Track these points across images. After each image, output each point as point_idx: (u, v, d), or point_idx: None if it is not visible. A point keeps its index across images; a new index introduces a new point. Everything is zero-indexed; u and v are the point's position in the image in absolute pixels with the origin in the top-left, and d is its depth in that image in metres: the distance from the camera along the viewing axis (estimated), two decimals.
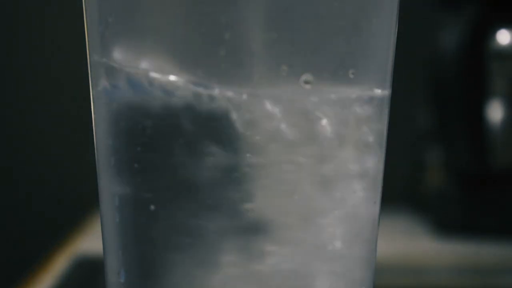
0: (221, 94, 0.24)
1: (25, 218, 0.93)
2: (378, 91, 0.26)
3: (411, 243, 0.71)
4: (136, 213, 0.25)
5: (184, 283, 0.24)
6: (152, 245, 0.25)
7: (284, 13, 0.24)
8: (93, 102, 0.26)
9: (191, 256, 0.24)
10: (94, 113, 0.26)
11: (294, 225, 0.24)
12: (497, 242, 0.70)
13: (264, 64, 0.24)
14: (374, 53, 0.25)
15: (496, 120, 0.73)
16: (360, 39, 0.25)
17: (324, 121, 0.24)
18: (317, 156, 0.24)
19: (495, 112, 0.73)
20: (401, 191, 0.87)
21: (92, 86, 0.26)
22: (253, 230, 0.24)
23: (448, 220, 0.73)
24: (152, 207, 0.24)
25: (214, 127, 0.24)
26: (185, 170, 0.24)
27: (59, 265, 0.59)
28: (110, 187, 0.26)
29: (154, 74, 0.24)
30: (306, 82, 0.24)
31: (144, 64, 0.24)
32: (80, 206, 0.87)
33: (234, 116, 0.24)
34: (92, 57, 0.26)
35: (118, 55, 0.25)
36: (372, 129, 0.26)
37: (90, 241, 0.67)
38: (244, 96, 0.24)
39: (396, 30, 0.27)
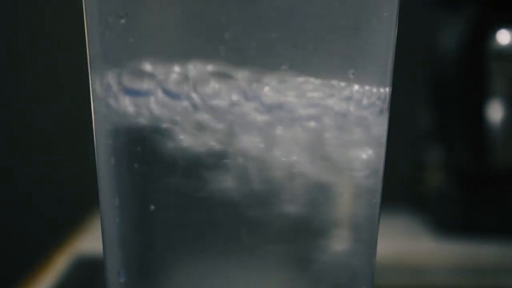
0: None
1: (25, 218, 0.93)
2: (378, 91, 0.26)
3: (411, 243, 0.71)
4: (136, 213, 0.25)
5: (184, 283, 0.24)
6: (152, 245, 0.25)
7: (284, 13, 0.24)
8: (93, 102, 0.26)
9: (191, 256, 0.24)
10: (94, 113, 0.26)
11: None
12: (497, 242, 0.70)
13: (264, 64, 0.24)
14: (374, 53, 0.25)
15: (496, 120, 0.73)
16: (360, 39, 0.25)
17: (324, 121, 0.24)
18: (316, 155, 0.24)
19: (495, 112, 0.73)
20: (401, 191, 0.87)
21: (92, 86, 0.26)
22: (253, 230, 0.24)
23: (448, 220, 0.73)
24: (152, 207, 0.24)
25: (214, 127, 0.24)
26: (185, 170, 0.24)
27: (59, 265, 0.59)
28: (110, 187, 0.26)
29: (153, 73, 0.24)
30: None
31: (144, 64, 0.24)
32: (80, 206, 0.87)
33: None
34: (92, 57, 0.26)
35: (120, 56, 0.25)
36: (372, 129, 0.26)
37: (90, 241, 0.67)
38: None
39: (396, 30, 0.27)
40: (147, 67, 0.24)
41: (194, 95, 0.24)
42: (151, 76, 0.24)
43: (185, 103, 0.24)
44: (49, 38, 0.93)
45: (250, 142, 0.24)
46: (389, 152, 0.27)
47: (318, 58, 0.24)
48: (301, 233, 0.24)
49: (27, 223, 0.92)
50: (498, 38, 0.73)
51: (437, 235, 0.73)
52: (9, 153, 0.93)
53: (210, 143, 0.24)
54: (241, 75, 0.23)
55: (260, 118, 0.24)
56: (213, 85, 0.24)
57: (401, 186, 0.88)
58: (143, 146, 0.24)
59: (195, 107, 0.24)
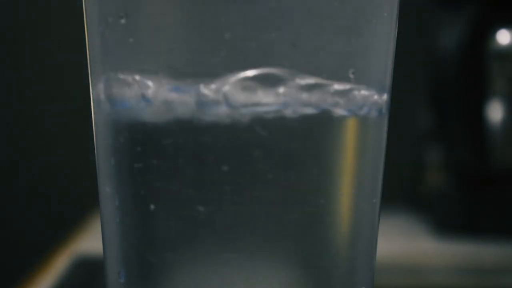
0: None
1: (25, 218, 0.93)
2: (378, 91, 0.26)
3: (411, 243, 0.71)
4: (136, 213, 0.25)
5: (184, 283, 0.24)
6: (152, 245, 0.24)
7: (284, 13, 0.24)
8: (93, 102, 0.26)
9: (191, 256, 0.24)
10: (94, 113, 0.26)
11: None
12: (497, 242, 0.70)
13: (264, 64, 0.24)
14: (374, 53, 0.25)
15: (496, 120, 0.73)
16: (360, 39, 0.25)
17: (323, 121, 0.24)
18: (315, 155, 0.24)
19: (495, 112, 0.73)
20: (401, 191, 0.87)
21: (92, 86, 0.26)
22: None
23: (448, 220, 0.73)
24: (152, 207, 0.24)
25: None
26: (185, 169, 0.24)
27: (59, 265, 0.59)
28: (110, 187, 0.26)
29: (153, 73, 0.24)
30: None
31: (144, 64, 0.24)
32: (80, 206, 0.87)
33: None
34: (92, 57, 0.26)
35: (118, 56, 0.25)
36: (372, 129, 0.26)
37: (90, 241, 0.67)
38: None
39: (396, 30, 0.27)
40: (147, 67, 0.24)
41: (195, 95, 0.24)
42: (151, 76, 0.24)
43: (186, 102, 0.24)
44: (49, 38, 0.93)
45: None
46: (389, 152, 0.27)
47: (318, 58, 0.24)
48: (301, 233, 0.24)
49: (27, 223, 0.92)
50: (498, 38, 0.73)
51: (437, 235, 0.73)
52: (9, 153, 0.93)
53: (210, 143, 0.24)
54: (241, 75, 0.23)
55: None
56: (215, 85, 0.24)
57: (401, 186, 0.88)
58: (143, 146, 0.24)
59: (196, 106, 0.24)
